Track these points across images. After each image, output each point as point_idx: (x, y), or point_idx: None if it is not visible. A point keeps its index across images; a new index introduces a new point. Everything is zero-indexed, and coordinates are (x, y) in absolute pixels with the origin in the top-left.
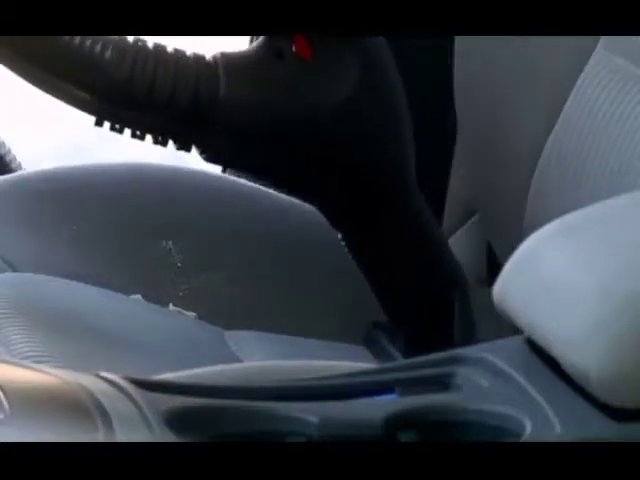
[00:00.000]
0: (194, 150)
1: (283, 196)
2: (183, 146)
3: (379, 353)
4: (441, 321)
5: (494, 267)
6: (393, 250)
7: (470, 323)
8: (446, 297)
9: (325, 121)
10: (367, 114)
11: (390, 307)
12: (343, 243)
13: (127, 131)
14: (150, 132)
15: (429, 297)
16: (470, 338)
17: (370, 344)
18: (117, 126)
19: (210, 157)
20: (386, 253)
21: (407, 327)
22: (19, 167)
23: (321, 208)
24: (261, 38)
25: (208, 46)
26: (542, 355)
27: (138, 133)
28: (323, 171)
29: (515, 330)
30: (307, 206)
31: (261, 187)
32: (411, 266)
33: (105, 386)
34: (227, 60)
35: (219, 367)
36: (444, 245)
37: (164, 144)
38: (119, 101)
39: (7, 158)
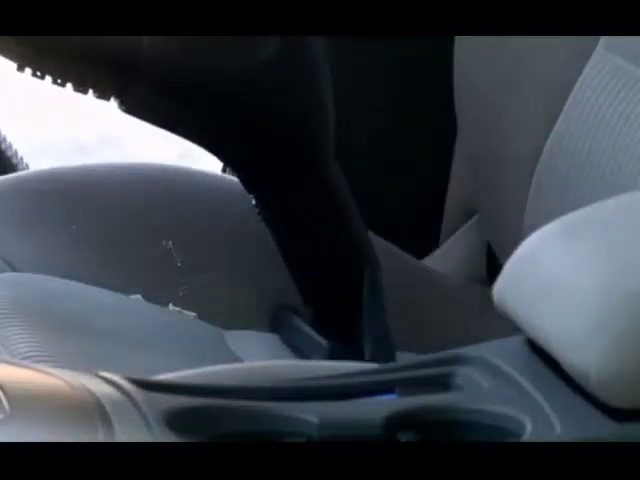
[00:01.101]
0: (196, 152)
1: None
2: (103, 95)
3: (286, 336)
4: (350, 298)
5: (494, 267)
6: (305, 220)
7: (379, 302)
8: (356, 274)
9: (246, 82)
10: (288, 81)
11: (300, 281)
12: (256, 210)
13: (49, 78)
14: (71, 80)
15: (339, 272)
16: (378, 317)
17: (276, 327)
18: (38, 73)
19: (129, 108)
20: (298, 223)
21: (316, 303)
22: (21, 162)
23: (237, 170)
24: None
25: None
26: (542, 355)
27: (59, 80)
28: (241, 132)
29: (515, 330)
30: None
31: None
32: (322, 238)
33: (105, 386)
34: None
35: (219, 367)
36: (357, 221)
37: (84, 92)
38: (41, 48)
39: (8, 153)
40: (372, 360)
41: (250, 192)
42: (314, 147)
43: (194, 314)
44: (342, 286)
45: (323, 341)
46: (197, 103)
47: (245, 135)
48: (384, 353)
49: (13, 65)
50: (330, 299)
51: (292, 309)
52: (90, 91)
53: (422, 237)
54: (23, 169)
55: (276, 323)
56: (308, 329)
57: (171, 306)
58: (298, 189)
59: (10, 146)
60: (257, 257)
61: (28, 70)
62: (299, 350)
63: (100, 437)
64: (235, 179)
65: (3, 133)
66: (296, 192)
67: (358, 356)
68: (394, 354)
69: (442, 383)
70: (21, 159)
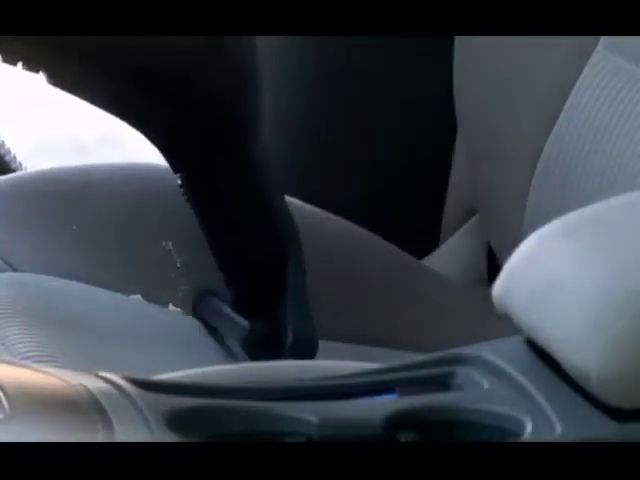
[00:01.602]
0: None
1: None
2: (31, 68)
3: (208, 319)
4: (272, 280)
5: (494, 267)
6: (228, 201)
7: (301, 284)
8: (278, 256)
9: (174, 60)
10: (213, 59)
11: (222, 263)
12: (182, 189)
13: None
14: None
15: (261, 254)
16: (300, 300)
17: (198, 311)
18: None
19: (57, 82)
20: (221, 204)
21: (237, 285)
22: (19, 167)
23: (163, 146)
24: None
25: None
26: (542, 355)
27: None
28: (171, 107)
29: (515, 330)
30: (307, 206)
31: None
32: (245, 220)
33: (105, 386)
34: None
35: (219, 367)
36: (280, 203)
37: (14, 64)
38: None
39: (7, 158)
40: (293, 343)
41: (175, 171)
42: (240, 128)
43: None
44: (264, 268)
45: (243, 322)
46: (123, 78)
47: (169, 115)
48: (305, 334)
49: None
50: (252, 281)
51: (214, 292)
52: (19, 64)
53: (422, 237)
54: (17, 168)
55: (198, 306)
56: (228, 311)
57: (171, 306)
58: (222, 170)
59: (9, 151)
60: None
61: None
62: (218, 333)
63: (100, 437)
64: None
65: (1, 137)
66: (220, 172)
67: (278, 338)
68: (315, 336)
69: (442, 383)
70: (20, 164)
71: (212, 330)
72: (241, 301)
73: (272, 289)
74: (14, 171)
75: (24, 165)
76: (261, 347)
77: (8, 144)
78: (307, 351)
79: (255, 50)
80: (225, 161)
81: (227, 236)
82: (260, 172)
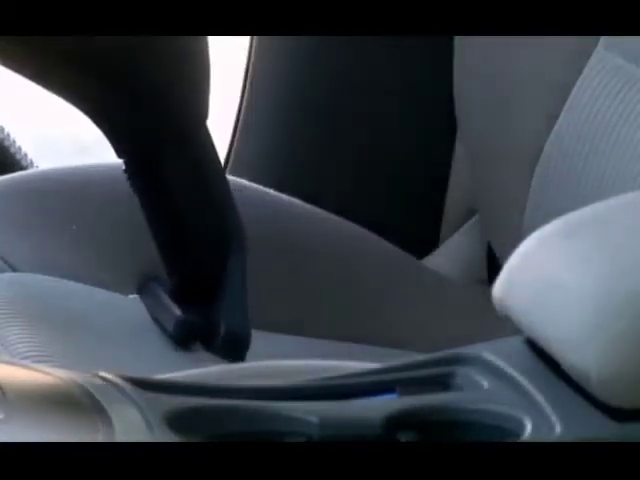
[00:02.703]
0: None
1: (283, 196)
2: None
3: (152, 305)
4: (212, 270)
5: (494, 267)
6: (170, 187)
7: (241, 277)
8: (220, 246)
9: (126, 44)
10: (169, 46)
11: (163, 250)
12: (125, 172)
13: None
14: None
15: (202, 243)
16: (238, 292)
17: (143, 298)
18: None
19: (6, 64)
20: (163, 189)
21: (178, 273)
22: (30, 165)
23: (107, 130)
24: None
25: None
26: (542, 355)
27: None
28: (116, 92)
29: (515, 330)
30: (307, 206)
31: (260, 186)
32: (188, 206)
33: (105, 386)
34: None
35: (219, 367)
36: (225, 192)
37: None
38: None
39: (17, 156)
40: (224, 336)
41: (119, 156)
42: (185, 114)
43: None
44: (204, 259)
45: (177, 311)
46: (69, 61)
47: (114, 99)
48: (237, 329)
49: None
50: (190, 271)
51: (158, 279)
52: None
53: (422, 237)
54: (28, 166)
55: (143, 293)
56: (166, 298)
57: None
58: (165, 155)
59: (14, 142)
60: (255, 257)
61: None
62: (159, 321)
63: (100, 437)
64: (235, 179)
65: (7, 130)
66: (163, 158)
67: (210, 329)
68: (248, 331)
69: (442, 383)
70: (25, 155)
71: (155, 319)
72: (179, 290)
73: (210, 281)
74: (25, 169)
75: (35, 163)
76: (191, 336)
77: (19, 142)
78: (238, 345)
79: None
80: (169, 146)
81: (169, 224)
82: (204, 159)
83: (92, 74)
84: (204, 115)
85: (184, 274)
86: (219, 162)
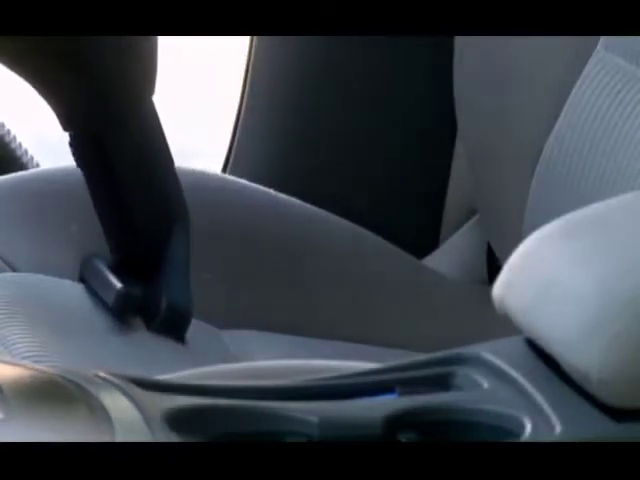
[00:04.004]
0: (196, 152)
1: (283, 195)
2: None
3: (94, 280)
4: (153, 247)
5: (494, 267)
6: (115, 162)
7: (184, 256)
8: (163, 224)
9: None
10: None
11: (107, 227)
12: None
13: None
14: None
15: (145, 221)
16: (181, 270)
17: (83, 276)
18: None
19: None
20: (108, 165)
21: (121, 250)
22: (31, 163)
23: (54, 103)
24: None
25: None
26: (542, 355)
27: None
28: (65, 67)
29: (515, 330)
30: (308, 206)
31: (260, 186)
32: (132, 183)
33: (105, 386)
34: None
35: (219, 367)
36: (170, 171)
37: None
38: None
39: (18, 153)
40: (166, 310)
41: (65, 129)
42: (132, 92)
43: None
44: (147, 234)
45: (119, 285)
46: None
47: (63, 74)
48: (179, 303)
49: None
50: (133, 247)
51: (100, 257)
52: None
53: (422, 237)
54: (28, 163)
55: (83, 271)
56: (109, 275)
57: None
58: (111, 131)
59: (15, 140)
60: (256, 256)
61: None
62: (100, 297)
63: (100, 437)
64: (235, 179)
65: (12, 131)
66: (106, 131)
67: (152, 303)
68: (190, 306)
69: (442, 383)
70: (25, 152)
71: (95, 295)
72: (121, 266)
73: (152, 257)
74: (26, 166)
75: (36, 161)
76: (131, 309)
77: (20, 140)
78: (178, 322)
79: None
80: (112, 121)
81: (112, 199)
82: (148, 136)
83: (40, 50)
84: (149, 92)
85: (127, 250)
86: (164, 139)
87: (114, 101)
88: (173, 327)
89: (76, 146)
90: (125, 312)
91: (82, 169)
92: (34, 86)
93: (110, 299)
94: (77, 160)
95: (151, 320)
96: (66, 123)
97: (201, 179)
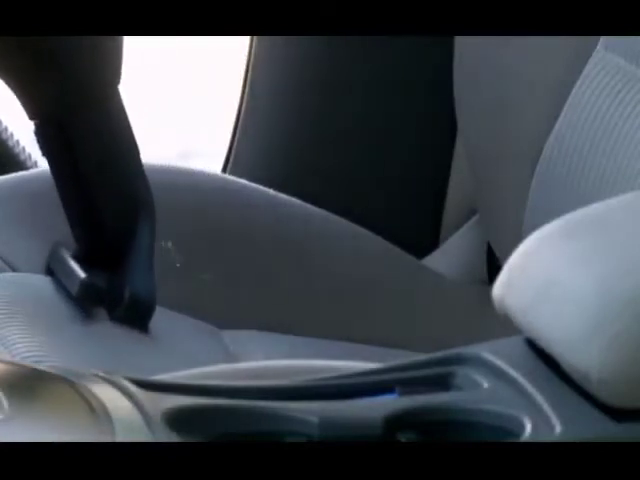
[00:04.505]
0: (196, 152)
1: (283, 195)
2: None
3: (59, 269)
4: (117, 238)
5: (494, 267)
6: (80, 151)
7: (147, 246)
8: (128, 215)
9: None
10: None
11: (72, 217)
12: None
13: None
14: None
15: (110, 210)
16: (143, 261)
17: (52, 261)
18: None
19: None
20: (74, 153)
21: (85, 240)
22: (34, 165)
23: (20, 92)
24: None
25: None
26: (542, 355)
27: None
28: (32, 58)
29: (515, 330)
30: (308, 206)
31: (260, 186)
32: (96, 172)
33: (105, 386)
34: None
35: (219, 367)
36: (135, 163)
37: None
38: None
39: (21, 157)
40: (129, 299)
41: (30, 118)
42: (92, 76)
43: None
44: (112, 223)
45: (82, 274)
46: None
47: (30, 64)
48: (142, 293)
49: None
50: (97, 237)
51: (67, 245)
52: None
53: (422, 237)
54: (32, 166)
55: (50, 261)
56: (74, 264)
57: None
58: (72, 118)
59: (17, 143)
60: (256, 256)
61: None
62: (65, 287)
63: (100, 437)
64: (235, 179)
65: (10, 129)
66: (71, 120)
67: (115, 293)
68: (153, 297)
69: (442, 383)
70: (29, 155)
71: (61, 286)
72: (85, 255)
73: (116, 247)
74: (24, 165)
75: (34, 159)
76: (94, 298)
77: (17, 137)
78: (141, 311)
79: None
80: (76, 110)
81: (76, 188)
82: (114, 125)
83: (5, 40)
84: (114, 81)
85: (91, 239)
86: (130, 129)
87: (79, 90)
88: (136, 317)
89: (41, 135)
90: (87, 301)
91: (47, 158)
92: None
93: (74, 289)
94: (42, 149)
95: (113, 309)
96: (31, 112)
97: (201, 179)
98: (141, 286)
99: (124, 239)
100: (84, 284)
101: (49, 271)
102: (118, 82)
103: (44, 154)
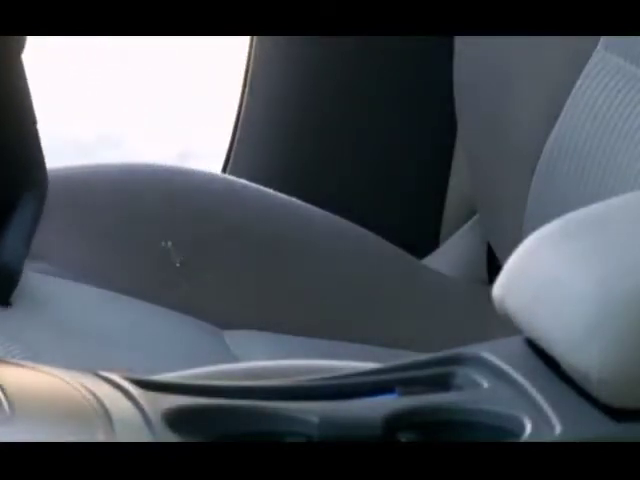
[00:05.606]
0: (196, 152)
1: (283, 195)
2: None
3: None
4: (3, 204)
5: (494, 267)
6: None
7: (34, 215)
8: (16, 181)
9: None
10: None
11: None
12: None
13: None
14: None
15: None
16: (27, 228)
17: None
18: None
19: None
20: None
21: None
22: None
23: None
24: None
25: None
26: (542, 355)
27: None
28: None
29: (515, 330)
30: (308, 206)
31: (260, 186)
32: None
33: (105, 386)
34: None
35: (219, 367)
36: (29, 130)
37: None
38: None
39: None
40: None
41: None
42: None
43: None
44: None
45: None
46: None
47: None
48: (10, 264)
49: None
50: None
51: None
52: None
53: (422, 237)
54: None
55: None
56: None
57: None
58: None
59: None
60: (256, 257)
61: None
62: None
63: (100, 437)
64: (235, 179)
65: None
66: None
67: None
68: (20, 269)
69: (442, 383)
70: None
71: None
72: None
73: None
74: None
75: None
76: None
77: None
78: (5, 281)
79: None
80: None
81: None
82: (12, 95)
83: None
84: (17, 49)
85: None
86: (30, 101)
87: None
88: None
89: None
90: None
91: None
92: None
93: None
94: None
95: None
96: None
97: (201, 179)
98: (9, 259)
99: (5, 211)
100: None
101: None
102: (21, 50)
103: None
